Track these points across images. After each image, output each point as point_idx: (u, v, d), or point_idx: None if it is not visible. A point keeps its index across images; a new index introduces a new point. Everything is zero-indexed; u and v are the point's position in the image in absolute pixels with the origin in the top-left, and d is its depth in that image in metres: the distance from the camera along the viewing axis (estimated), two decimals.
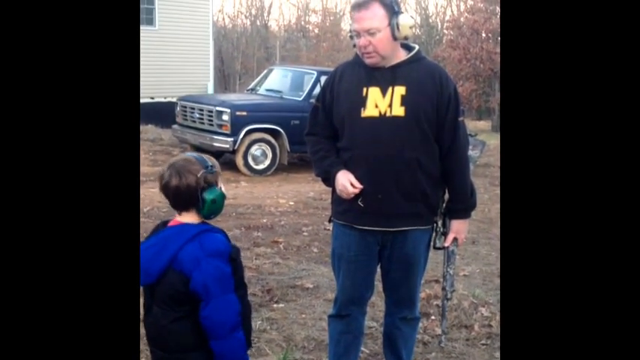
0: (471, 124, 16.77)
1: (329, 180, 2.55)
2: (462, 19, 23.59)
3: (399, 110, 2.40)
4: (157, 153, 10.49)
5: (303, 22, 29.93)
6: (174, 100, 10.86)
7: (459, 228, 2.61)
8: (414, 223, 2.53)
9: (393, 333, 2.77)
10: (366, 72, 2.46)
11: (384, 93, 2.42)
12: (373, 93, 2.43)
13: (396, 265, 2.60)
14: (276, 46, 27.03)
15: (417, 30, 30.47)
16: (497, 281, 4.45)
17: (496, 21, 21.44)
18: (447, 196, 2.61)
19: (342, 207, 2.55)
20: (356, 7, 2.37)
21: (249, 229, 5.78)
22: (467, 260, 5.10)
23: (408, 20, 2.37)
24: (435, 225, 2.61)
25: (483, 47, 20.69)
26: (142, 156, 10.11)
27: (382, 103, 2.41)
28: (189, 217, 1.97)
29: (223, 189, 2.00)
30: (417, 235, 2.56)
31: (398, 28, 2.35)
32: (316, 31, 28.28)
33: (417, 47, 2.51)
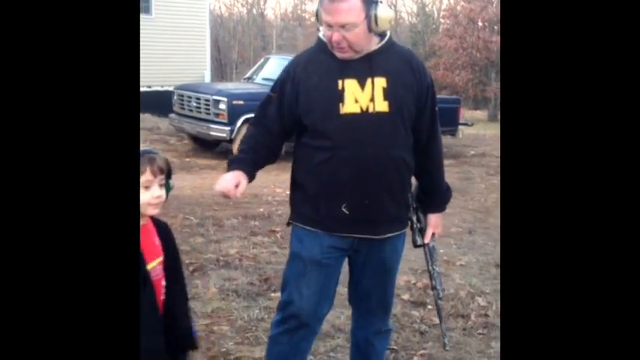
0: (468, 114, 16.79)
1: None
2: (458, 8, 23.57)
3: (382, 105, 2.17)
4: (154, 142, 10.48)
5: (299, 11, 29.86)
6: (171, 89, 10.84)
7: (436, 222, 2.44)
8: (399, 227, 2.36)
9: (367, 351, 2.54)
10: (337, 62, 2.19)
11: (362, 85, 2.17)
12: (350, 86, 2.17)
13: (370, 273, 2.38)
14: (273, 34, 26.96)
15: (414, 19, 30.40)
16: (494, 271, 4.48)
17: (492, 10, 21.54)
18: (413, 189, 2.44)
19: (317, 214, 2.26)
20: None
21: (247, 219, 5.80)
22: (463, 250, 5.12)
23: (387, 13, 2.14)
24: (410, 222, 2.42)
25: (480, 36, 20.74)
26: (140, 145, 10.10)
27: (362, 97, 2.17)
28: None
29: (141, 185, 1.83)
30: (395, 239, 2.36)
31: (376, 21, 2.11)
32: (313, 19, 28.21)
33: (388, 32, 2.26)
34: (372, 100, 2.17)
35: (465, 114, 13.98)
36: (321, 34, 2.24)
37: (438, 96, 2.77)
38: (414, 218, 2.42)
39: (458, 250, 5.10)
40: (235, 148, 9.02)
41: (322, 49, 2.24)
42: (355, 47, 2.14)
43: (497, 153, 10.98)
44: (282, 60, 10.71)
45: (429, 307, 3.73)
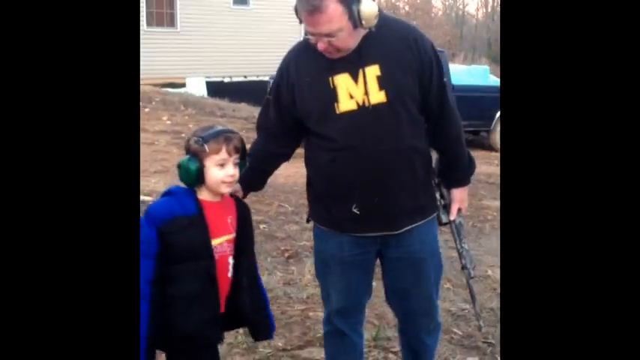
0: None
1: None
2: None
3: (378, 96, 2.02)
4: (249, 130, 10.68)
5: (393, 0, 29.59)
6: (266, 78, 11.03)
7: (461, 197, 2.30)
8: (420, 218, 2.20)
9: (419, 348, 2.41)
10: (325, 58, 2.04)
11: (355, 78, 2.02)
12: (342, 81, 2.03)
13: (403, 269, 2.25)
14: None
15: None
16: None
17: None
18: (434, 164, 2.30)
19: (329, 215, 2.19)
20: (307, 11, 1.92)
21: None
22: None
23: (371, 8, 1.94)
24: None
25: None
26: (236, 131, 10.37)
27: (356, 91, 2.02)
28: None
29: (209, 170, 1.91)
30: (423, 229, 2.21)
31: (361, 20, 1.93)
32: (407, 8, 27.91)
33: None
34: (366, 92, 2.02)
35: None
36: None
37: None
38: (437, 195, 2.28)
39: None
40: None
41: (309, 45, 2.07)
42: (344, 49, 2.00)
43: None
44: None
45: None
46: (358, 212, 2.11)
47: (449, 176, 2.29)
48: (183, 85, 14.53)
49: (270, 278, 3.98)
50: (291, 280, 3.96)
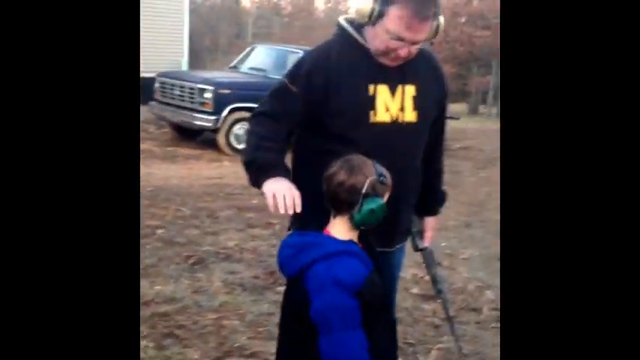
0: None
1: (258, 175, 1.99)
2: (442, 1, 23.82)
3: (411, 115, 2.03)
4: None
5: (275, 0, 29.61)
6: (146, 75, 10.60)
7: (434, 225, 2.37)
8: (406, 237, 2.28)
9: None
10: (371, 64, 2.00)
11: (393, 92, 2.01)
12: (382, 92, 2.00)
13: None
14: (248, 23, 26.69)
15: None
16: (497, 264, 4.45)
17: (477, 4, 21.70)
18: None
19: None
20: (420, 18, 1.88)
21: (242, 210, 5.66)
22: (464, 244, 5.10)
23: (442, 21, 1.98)
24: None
25: (463, 30, 20.90)
26: None
27: (393, 105, 2.01)
28: (340, 223, 1.80)
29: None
30: (404, 249, 2.30)
31: (437, 32, 1.96)
32: (290, 8, 28.03)
33: None
34: (401, 109, 2.02)
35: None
36: (351, 30, 2.02)
37: None
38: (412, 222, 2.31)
39: (459, 244, 5.07)
40: (221, 138, 8.86)
41: (354, 45, 2.02)
42: (409, 58, 1.98)
43: (482, 147, 11.05)
44: (269, 50, 10.57)
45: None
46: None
47: (425, 204, 2.30)
48: None
49: (177, 287, 3.76)
50: (200, 288, 3.77)
